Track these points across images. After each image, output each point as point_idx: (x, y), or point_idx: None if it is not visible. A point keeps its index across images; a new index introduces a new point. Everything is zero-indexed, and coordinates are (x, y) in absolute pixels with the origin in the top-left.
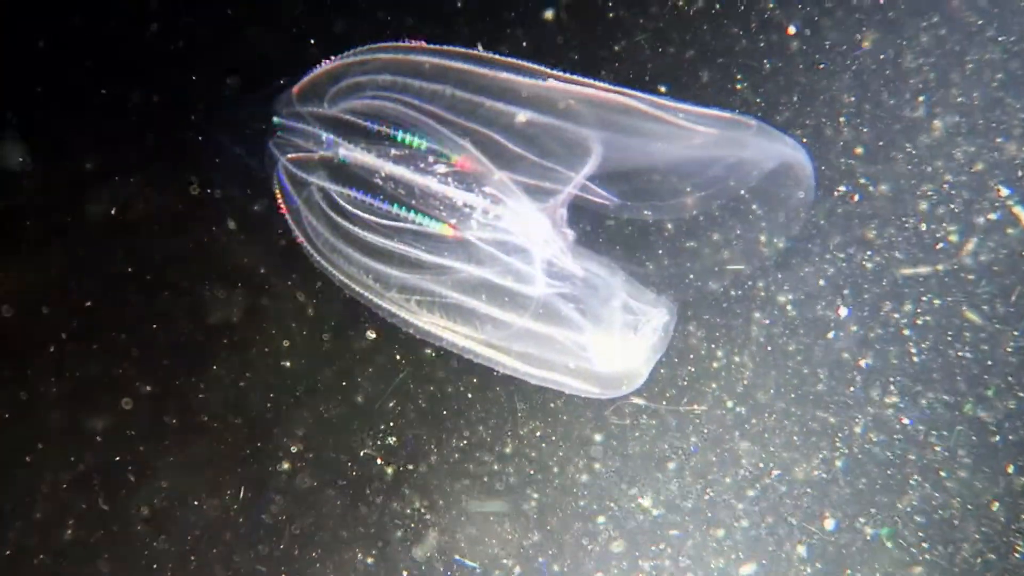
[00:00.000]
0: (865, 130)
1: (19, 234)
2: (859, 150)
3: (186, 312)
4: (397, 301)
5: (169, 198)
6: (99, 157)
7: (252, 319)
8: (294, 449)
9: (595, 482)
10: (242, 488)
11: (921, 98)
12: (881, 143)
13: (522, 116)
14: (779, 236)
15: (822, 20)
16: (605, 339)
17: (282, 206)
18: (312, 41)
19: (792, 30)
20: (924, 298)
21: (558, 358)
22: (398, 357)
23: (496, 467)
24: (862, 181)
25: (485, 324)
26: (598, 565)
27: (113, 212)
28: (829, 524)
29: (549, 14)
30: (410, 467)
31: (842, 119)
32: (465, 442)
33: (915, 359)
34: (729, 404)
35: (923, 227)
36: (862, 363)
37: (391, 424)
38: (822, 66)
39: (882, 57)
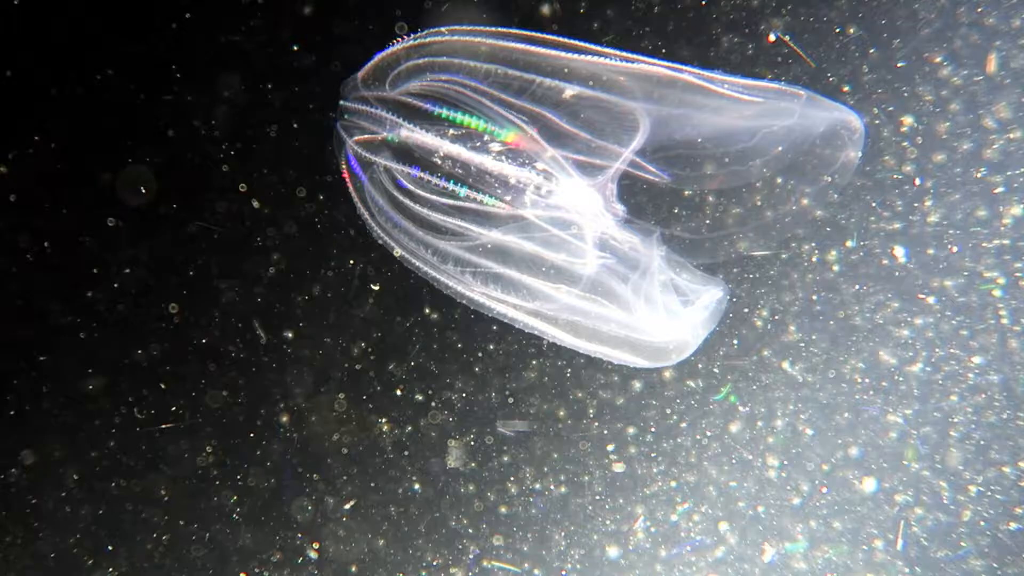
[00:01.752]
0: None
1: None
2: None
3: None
4: (453, 274)
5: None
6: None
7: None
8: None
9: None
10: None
11: None
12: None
13: (570, 91)
14: (827, 197)
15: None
16: (654, 314)
17: (350, 185)
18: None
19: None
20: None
21: (607, 330)
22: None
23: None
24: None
25: (537, 296)
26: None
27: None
28: None
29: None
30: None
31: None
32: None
33: None
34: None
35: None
36: None
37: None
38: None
39: None
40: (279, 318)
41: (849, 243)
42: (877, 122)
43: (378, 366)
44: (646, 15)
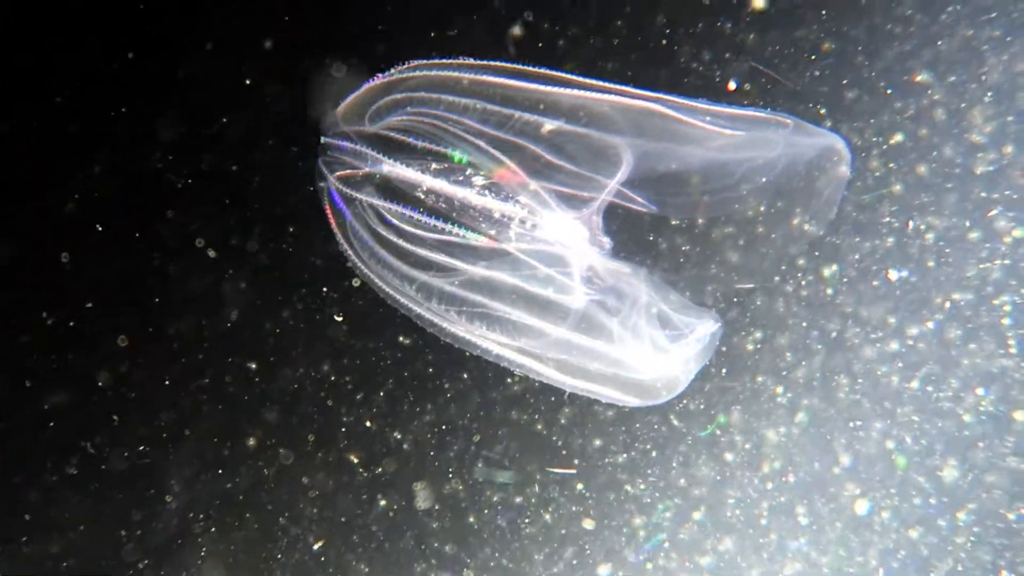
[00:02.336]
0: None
1: None
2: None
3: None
4: (437, 311)
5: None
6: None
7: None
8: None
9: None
10: None
11: None
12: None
13: (550, 125)
14: (819, 222)
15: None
16: (644, 349)
17: (332, 221)
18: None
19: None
20: None
21: (596, 367)
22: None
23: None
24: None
25: (523, 333)
26: None
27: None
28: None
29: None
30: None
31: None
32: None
33: None
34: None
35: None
36: None
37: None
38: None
39: None
40: (248, 349)
41: (834, 267)
42: (858, 142)
43: (348, 399)
44: (618, 37)
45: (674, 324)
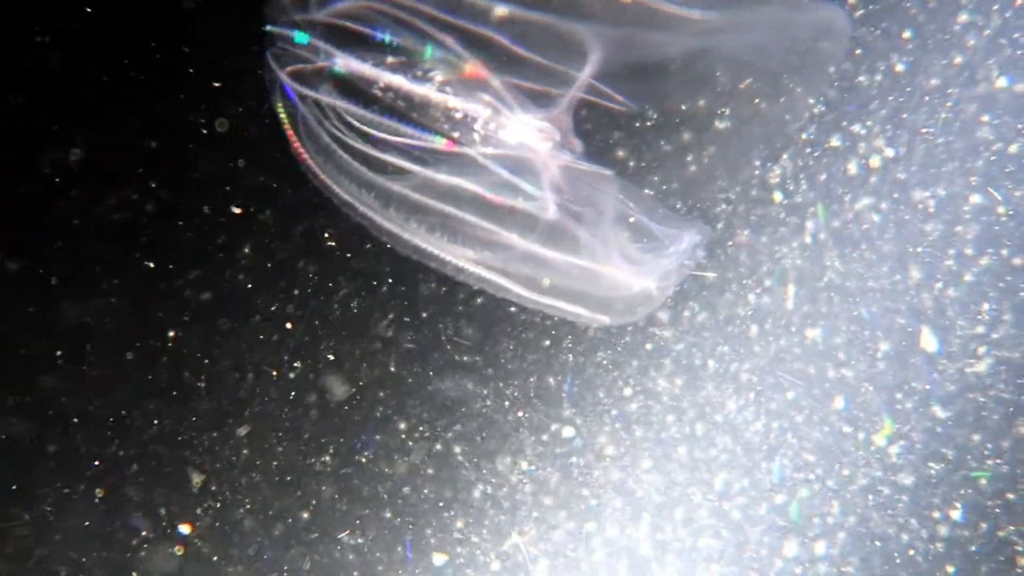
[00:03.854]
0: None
1: None
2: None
3: None
4: (397, 220)
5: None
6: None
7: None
8: None
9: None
10: None
11: None
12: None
13: (502, 10)
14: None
15: None
16: (618, 262)
17: (285, 120)
18: None
19: None
20: None
21: (566, 282)
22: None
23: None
24: None
25: (488, 245)
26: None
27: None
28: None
29: None
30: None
31: None
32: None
33: None
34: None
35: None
36: None
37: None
38: None
39: None
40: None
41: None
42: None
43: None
44: None
45: (652, 234)
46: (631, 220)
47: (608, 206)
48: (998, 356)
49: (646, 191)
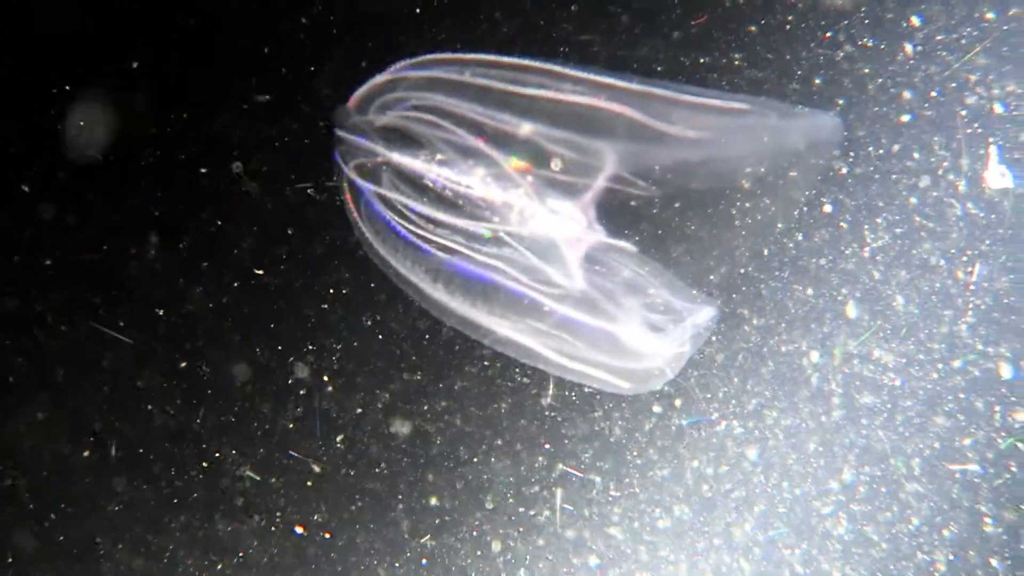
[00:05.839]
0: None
1: None
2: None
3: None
4: (444, 293)
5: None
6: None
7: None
8: None
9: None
10: None
11: None
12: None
13: (527, 128)
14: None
15: None
16: (637, 335)
17: (351, 210)
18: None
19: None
20: None
21: (589, 353)
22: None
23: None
24: None
25: (521, 317)
26: None
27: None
28: None
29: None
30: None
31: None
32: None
33: None
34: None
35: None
36: None
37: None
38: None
39: None
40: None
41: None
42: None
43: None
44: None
45: (671, 308)
46: (651, 293)
47: (631, 281)
48: None
49: (664, 269)
